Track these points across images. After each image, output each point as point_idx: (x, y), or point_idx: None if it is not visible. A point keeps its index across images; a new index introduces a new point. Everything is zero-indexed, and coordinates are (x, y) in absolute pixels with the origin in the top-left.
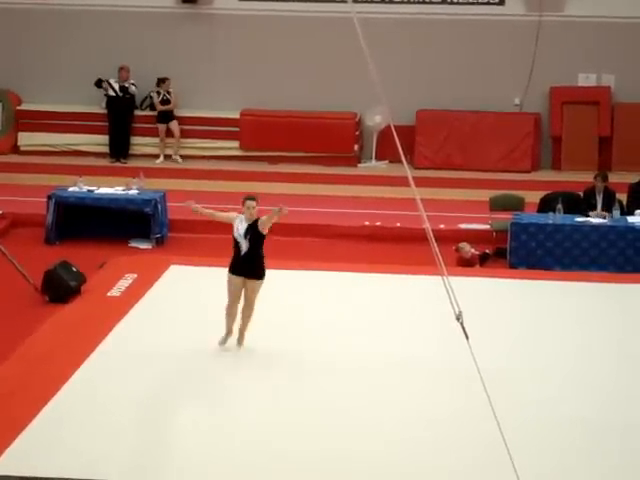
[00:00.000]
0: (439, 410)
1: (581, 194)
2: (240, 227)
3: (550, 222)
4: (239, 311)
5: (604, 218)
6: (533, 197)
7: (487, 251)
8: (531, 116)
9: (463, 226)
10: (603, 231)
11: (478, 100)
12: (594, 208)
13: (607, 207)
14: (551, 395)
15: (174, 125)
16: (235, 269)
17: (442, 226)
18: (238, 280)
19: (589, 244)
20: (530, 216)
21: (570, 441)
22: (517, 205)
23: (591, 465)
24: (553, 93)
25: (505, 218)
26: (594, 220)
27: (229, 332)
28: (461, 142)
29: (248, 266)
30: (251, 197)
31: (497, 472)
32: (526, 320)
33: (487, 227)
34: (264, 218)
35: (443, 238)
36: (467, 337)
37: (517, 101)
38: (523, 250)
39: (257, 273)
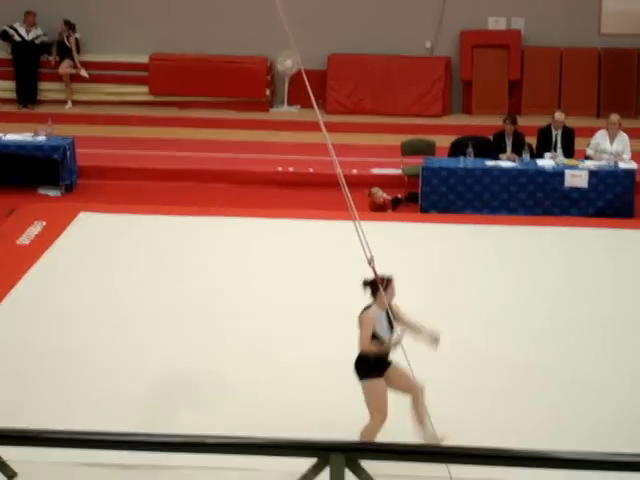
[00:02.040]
0: (353, 353)
1: (491, 138)
2: (384, 321)
3: (461, 166)
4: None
5: (514, 161)
6: (444, 141)
7: (399, 196)
8: (442, 60)
9: (375, 171)
10: (513, 174)
11: (389, 44)
12: (504, 152)
13: (517, 150)
14: (464, 335)
15: (82, 71)
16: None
17: (354, 171)
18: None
19: (499, 188)
20: (441, 160)
21: (483, 381)
22: (428, 149)
23: (504, 404)
24: (463, 37)
25: (416, 163)
26: (504, 164)
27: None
28: (372, 86)
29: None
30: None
31: (406, 412)
32: (438, 263)
33: (399, 172)
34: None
35: (355, 183)
36: (379, 281)
37: (428, 45)
38: (434, 194)
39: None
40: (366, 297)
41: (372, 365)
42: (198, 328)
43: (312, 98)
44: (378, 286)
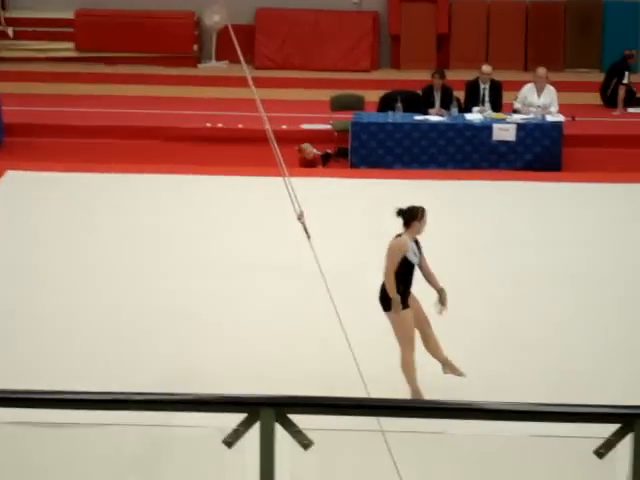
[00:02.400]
0: (284, 309)
1: (420, 92)
2: (414, 248)
3: (390, 121)
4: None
5: (442, 116)
6: (373, 96)
7: (329, 151)
8: (370, 14)
9: (305, 126)
10: (441, 129)
11: None
12: (432, 106)
13: (445, 104)
14: None
15: (8, 30)
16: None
17: (284, 127)
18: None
19: (428, 142)
20: (370, 115)
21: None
22: (357, 104)
23: (433, 361)
24: None
25: (346, 118)
26: (433, 118)
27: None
28: (301, 41)
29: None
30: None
31: (341, 367)
32: (368, 219)
33: (328, 127)
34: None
35: (285, 139)
36: (309, 236)
37: None
38: (364, 149)
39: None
40: (296, 251)
41: (400, 295)
42: (128, 288)
43: (239, 53)
44: (413, 215)
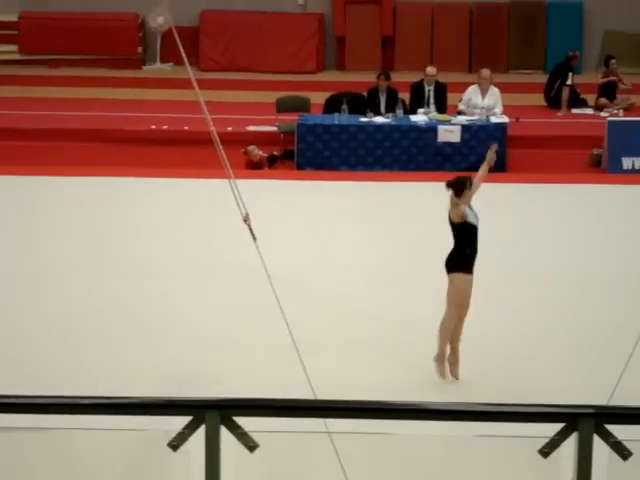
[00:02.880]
0: (229, 311)
1: (365, 94)
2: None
3: (335, 123)
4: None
5: (388, 118)
6: (319, 98)
7: (275, 153)
8: (315, 16)
9: (251, 128)
10: (387, 130)
11: (262, 0)
12: (378, 108)
13: (390, 106)
14: (341, 293)
15: None
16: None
17: (229, 129)
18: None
19: (374, 144)
20: (316, 117)
21: (360, 337)
22: (303, 106)
23: (379, 361)
24: None
25: (291, 120)
26: (378, 120)
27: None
28: (246, 43)
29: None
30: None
31: (287, 370)
32: (315, 220)
33: (274, 129)
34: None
35: (231, 141)
36: (255, 238)
37: (301, 1)
38: (310, 151)
39: (447, 265)
40: (242, 254)
41: (466, 259)
42: (70, 289)
43: (183, 55)
44: (465, 185)
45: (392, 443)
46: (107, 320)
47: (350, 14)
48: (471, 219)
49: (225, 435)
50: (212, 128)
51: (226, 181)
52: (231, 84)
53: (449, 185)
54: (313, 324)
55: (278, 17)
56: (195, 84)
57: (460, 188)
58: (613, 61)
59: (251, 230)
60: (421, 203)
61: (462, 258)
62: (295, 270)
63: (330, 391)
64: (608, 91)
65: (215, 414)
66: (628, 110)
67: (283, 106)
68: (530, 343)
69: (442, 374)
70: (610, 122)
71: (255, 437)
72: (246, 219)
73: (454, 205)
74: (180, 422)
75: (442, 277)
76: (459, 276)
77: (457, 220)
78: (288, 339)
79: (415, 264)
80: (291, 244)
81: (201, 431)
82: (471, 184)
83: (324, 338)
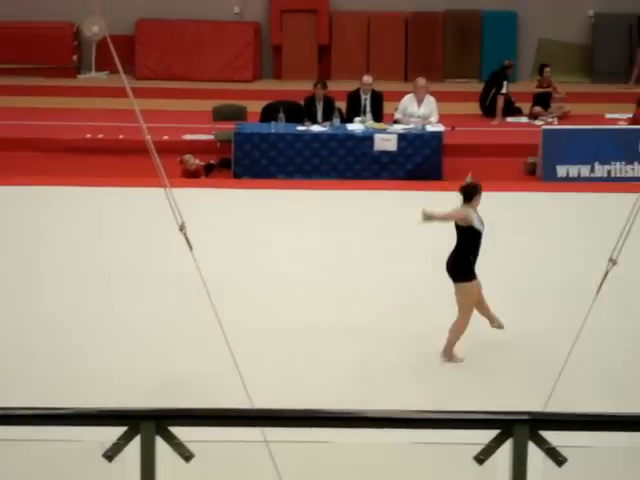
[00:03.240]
0: (168, 318)
1: (302, 103)
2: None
3: (272, 131)
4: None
5: (324, 126)
6: (255, 107)
7: (212, 162)
8: (251, 25)
9: (187, 137)
10: (324, 139)
11: (198, 9)
12: (315, 116)
13: (327, 115)
14: (278, 301)
15: None
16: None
17: (166, 137)
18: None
19: (311, 152)
20: (253, 126)
21: (297, 345)
22: (239, 115)
23: (318, 369)
24: (272, 1)
25: (228, 128)
26: (315, 128)
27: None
28: (182, 52)
29: (448, 263)
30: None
31: (226, 379)
32: (251, 228)
33: (211, 137)
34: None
35: (167, 150)
36: (191, 247)
37: (237, 10)
38: (247, 160)
39: (451, 273)
40: (178, 263)
41: (470, 264)
42: (2, 300)
43: (118, 64)
44: (476, 190)
45: (330, 451)
46: (44, 330)
47: (286, 23)
48: (477, 224)
49: (160, 445)
50: (147, 137)
51: (162, 190)
52: (167, 93)
53: (462, 190)
54: (250, 332)
55: (214, 26)
56: (130, 92)
57: (473, 193)
58: (547, 69)
59: (187, 239)
60: (357, 211)
61: (466, 265)
62: (232, 278)
63: (267, 399)
64: (543, 100)
65: (150, 424)
66: (562, 118)
67: (220, 115)
68: (464, 350)
69: (453, 358)
70: (545, 130)
71: (192, 447)
72: (182, 228)
73: (461, 209)
74: (115, 432)
75: (376, 284)
76: (468, 285)
77: (462, 224)
78: (225, 347)
79: (350, 272)
80: (228, 253)
81: (136, 441)
82: (480, 191)
83: (261, 346)
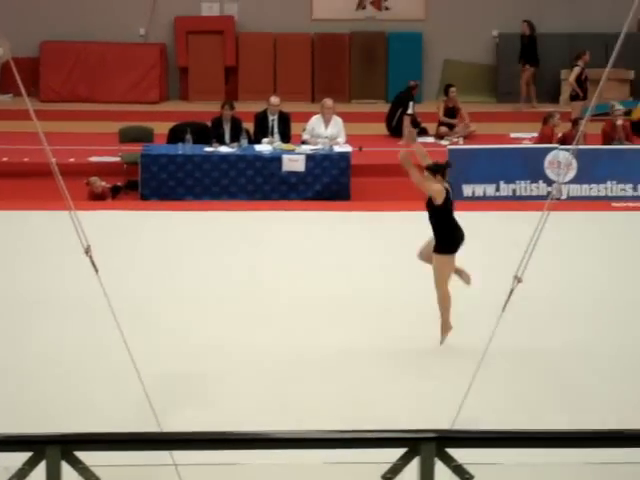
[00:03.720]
0: (74, 342)
1: (209, 124)
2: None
3: (180, 153)
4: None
5: (232, 147)
6: (162, 128)
7: (118, 184)
8: (157, 46)
9: (93, 159)
10: (232, 160)
11: (103, 31)
12: (222, 137)
13: (235, 136)
14: (186, 324)
15: None
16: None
17: (72, 160)
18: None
19: (219, 173)
20: (160, 147)
21: (205, 368)
22: (146, 136)
23: (224, 392)
24: (177, 23)
25: (135, 150)
26: (223, 149)
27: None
28: (88, 74)
29: (434, 240)
30: (427, 167)
31: (132, 403)
32: (160, 251)
33: (117, 159)
34: (431, 190)
35: (73, 172)
36: (96, 270)
37: (142, 32)
38: (154, 181)
39: (435, 246)
40: (84, 286)
41: (453, 240)
42: None
43: (21, 86)
44: (445, 166)
45: (240, 473)
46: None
47: (192, 44)
48: (450, 194)
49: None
50: (52, 160)
51: (67, 213)
52: (73, 115)
53: (428, 168)
54: (158, 355)
55: (119, 47)
56: (33, 115)
57: (443, 168)
58: (453, 89)
59: (92, 262)
60: (266, 232)
61: (449, 239)
62: (139, 301)
63: (175, 422)
64: (448, 118)
65: (56, 449)
66: (468, 138)
67: (126, 136)
68: (372, 369)
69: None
70: (450, 150)
71: (99, 471)
72: (87, 251)
73: (430, 184)
74: (21, 458)
75: (287, 304)
76: (440, 257)
77: (439, 201)
78: (132, 370)
79: (260, 294)
80: (135, 275)
81: (42, 466)
82: (448, 168)
83: (169, 369)
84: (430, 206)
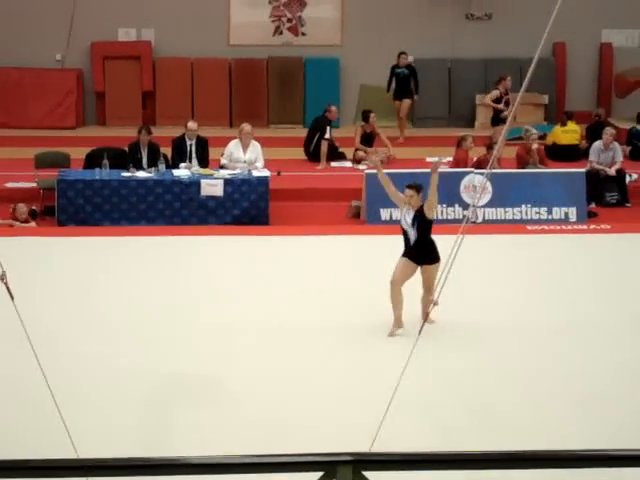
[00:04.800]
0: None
1: (126, 149)
2: (407, 217)
3: (97, 178)
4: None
5: (150, 172)
6: (79, 153)
7: (34, 208)
8: (73, 72)
9: (9, 185)
10: (149, 185)
11: (19, 56)
12: (140, 162)
13: (152, 161)
14: (103, 350)
15: None
16: (408, 255)
17: None
18: (411, 265)
19: (137, 198)
20: (77, 172)
21: (123, 393)
22: (63, 162)
23: (143, 417)
24: (94, 48)
25: (52, 175)
26: (140, 174)
27: (400, 324)
28: (3, 99)
29: (421, 253)
30: (410, 186)
31: (49, 430)
32: (76, 277)
33: (34, 185)
34: (429, 199)
35: None
36: (12, 297)
37: (58, 57)
38: (71, 207)
39: (431, 258)
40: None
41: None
42: None
43: None
44: (420, 189)
45: None
46: None
47: (109, 69)
48: (402, 222)
49: None
50: None
51: None
52: None
53: (410, 186)
54: (74, 381)
55: (35, 73)
56: None
57: (421, 188)
58: (372, 115)
59: (8, 289)
60: (185, 257)
61: (435, 248)
62: (55, 328)
63: (92, 448)
64: (366, 144)
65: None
66: (386, 163)
67: (42, 162)
68: (288, 391)
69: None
70: (368, 174)
71: None
72: (2, 277)
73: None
74: None
75: (203, 332)
76: (439, 264)
77: (430, 215)
78: (49, 398)
79: (179, 319)
80: (51, 302)
81: None
82: (410, 187)
83: (85, 395)
84: (419, 221)
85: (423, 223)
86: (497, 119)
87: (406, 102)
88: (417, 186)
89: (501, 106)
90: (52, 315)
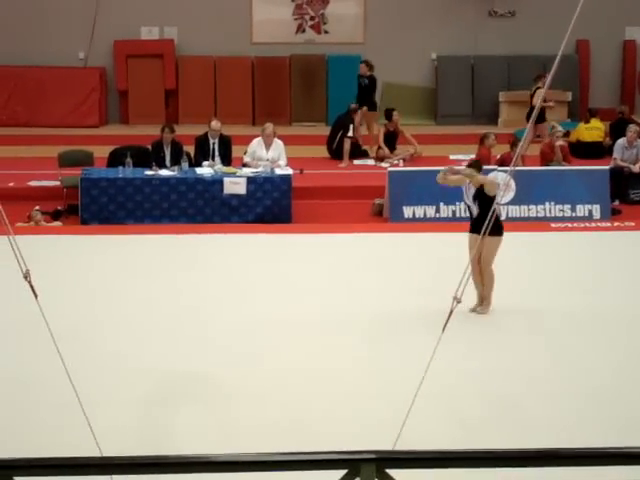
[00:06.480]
0: (14, 367)
1: (149, 147)
2: (469, 192)
3: (120, 176)
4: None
5: (173, 171)
6: (102, 152)
7: (59, 208)
8: (96, 70)
9: (33, 183)
10: (173, 183)
11: (42, 55)
12: (163, 161)
13: (175, 159)
14: (129, 349)
15: None
16: (472, 229)
17: (11, 184)
18: (475, 237)
19: (160, 197)
20: (100, 171)
21: (149, 393)
22: (86, 160)
23: (167, 416)
24: (117, 47)
25: (75, 174)
26: (163, 173)
27: (480, 302)
28: (26, 98)
29: (482, 225)
30: (470, 164)
31: (75, 428)
32: (100, 275)
33: (57, 184)
34: (487, 181)
35: (13, 196)
36: (36, 295)
37: (81, 55)
38: (95, 205)
39: (492, 230)
40: (25, 311)
41: (501, 224)
42: None
43: None
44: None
45: None
46: None
47: (132, 68)
48: (464, 197)
49: None
50: None
51: (6, 238)
52: (12, 140)
53: (471, 165)
54: (99, 380)
55: (58, 71)
56: None
57: (481, 166)
58: (395, 113)
59: (32, 286)
60: (208, 256)
61: (498, 221)
62: (80, 326)
63: (120, 448)
64: (388, 142)
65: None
66: (408, 160)
67: (66, 160)
68: (313, 390)
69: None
70: (390, 172)
71: None
72: (27, 276)
73: (486, 177)
74: None
75: (228, 330)
76: (497, 239)
77: (492, 193)
78: (73, 396)
79: (205, 318)
80: (74, 300)
81: None
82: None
83: (110, 394)
84: (480, 197)
85: (484, 199)
86: (542, 117)
87: (365, 112)
88: (478, 165)
89: (551, 104)
90: (75, 313)
